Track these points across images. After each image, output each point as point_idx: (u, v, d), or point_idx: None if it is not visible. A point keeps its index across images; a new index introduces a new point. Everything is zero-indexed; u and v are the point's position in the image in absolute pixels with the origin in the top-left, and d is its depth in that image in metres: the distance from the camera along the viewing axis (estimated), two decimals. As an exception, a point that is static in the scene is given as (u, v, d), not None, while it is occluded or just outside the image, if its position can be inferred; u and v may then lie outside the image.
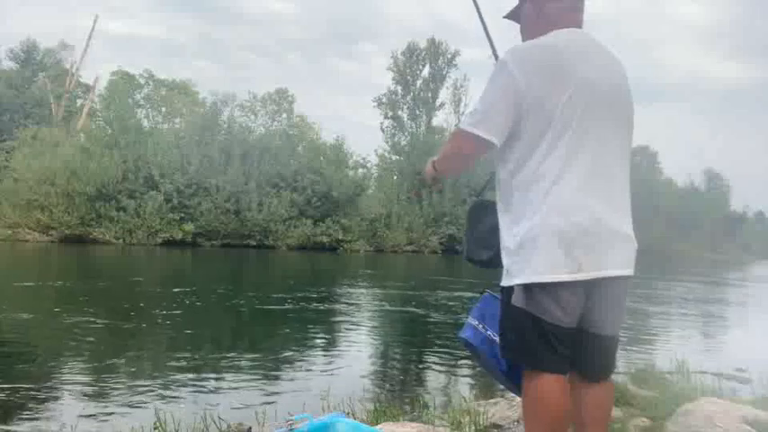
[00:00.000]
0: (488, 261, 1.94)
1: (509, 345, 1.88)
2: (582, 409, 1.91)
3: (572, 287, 1.75)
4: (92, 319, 7.79)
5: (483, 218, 1.99)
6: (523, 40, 1.97)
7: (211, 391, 4.98)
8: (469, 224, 2.10)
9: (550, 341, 1.78)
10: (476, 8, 2.19)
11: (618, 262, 1.81)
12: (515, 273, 1.80)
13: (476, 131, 1.83)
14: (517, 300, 1.80)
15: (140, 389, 4.93)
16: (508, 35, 2.04)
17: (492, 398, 3.89)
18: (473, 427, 2.95)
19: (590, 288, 1.79)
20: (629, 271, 1.85)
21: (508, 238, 1.84)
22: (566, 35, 1.85)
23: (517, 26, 2.06)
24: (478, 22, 2.17)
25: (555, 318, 1.76)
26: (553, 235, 1.73)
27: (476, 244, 2.03)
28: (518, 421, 3.04)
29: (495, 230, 1.91)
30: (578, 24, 1.93)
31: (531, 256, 1.76)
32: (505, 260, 1.85)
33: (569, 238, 1.73)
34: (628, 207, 1.88)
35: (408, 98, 44.19)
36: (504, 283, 1.85)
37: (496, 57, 1.99)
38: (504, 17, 2.07)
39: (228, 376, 5.49)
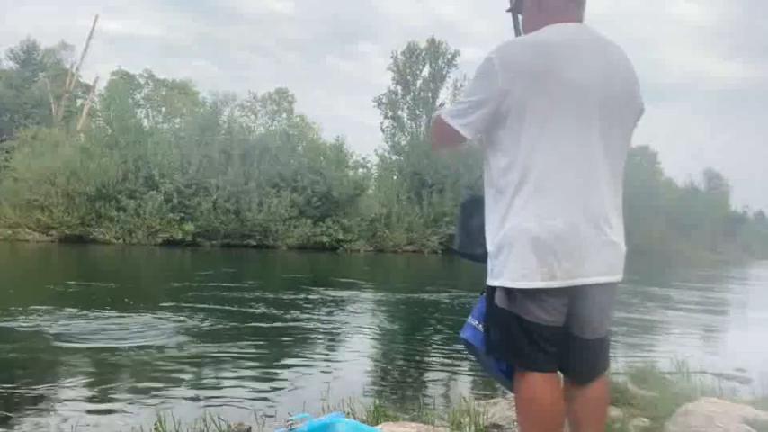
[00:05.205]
0: (481, 256, 1.92)
1: (494, 344, 1.88)
2: (575, 409, 1.90)
3: (552, 291, 1.74)
4: (91, 319, 7.79)
5: (476, 213, 1.98)
6: (525, 34, 1.95)
7: (211, 391, 4.98)
8: (462, 219, 2.09)
9: (536, 340, 1.76)
10: None
11: (599, 269, 1.76)
12: (496, 275, 1.80)
13: (449, 122, 1.83)
14: (500, 300, 1.80)
15: (140, 389, 4.93)
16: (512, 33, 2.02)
17: (492, 398, 3.89)
18: (473, 427, 2.95)
19: (572, 293, 1.77)
20: (612, 278, 1.80)
21: (490, 239, 1.84)
22: (560, 31, 1.79)
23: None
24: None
25: (538, 317, 1.75)
26: (528, 241, 1.72)
27: (469, 239, 2.03)
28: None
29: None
30: (579, 18, 1.87)
31: (507, 260, 1.76)
32: (488, 260, 1.85)
33: (543, 244, 1.71)
34: (616, 212, 1.83)
35: (408, 98, 44.14)
36: (488, 282, 1.85)
37: None
38: (507, 11, 2.05)
39: (228, 376, 5.49)
